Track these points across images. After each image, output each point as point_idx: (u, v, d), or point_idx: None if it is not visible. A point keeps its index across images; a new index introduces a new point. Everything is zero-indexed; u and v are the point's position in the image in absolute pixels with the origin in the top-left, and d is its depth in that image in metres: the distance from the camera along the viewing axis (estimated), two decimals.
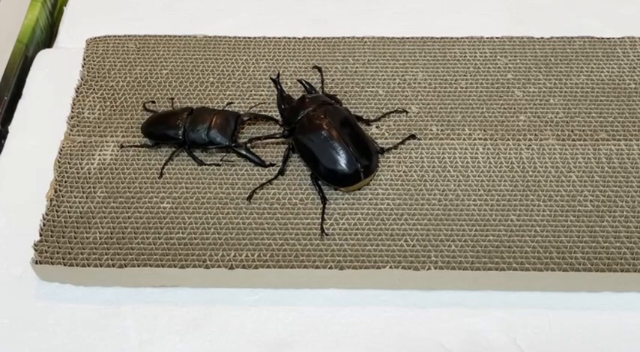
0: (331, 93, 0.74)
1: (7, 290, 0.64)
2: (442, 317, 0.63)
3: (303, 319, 0.63)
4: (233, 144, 0.69)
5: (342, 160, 0.66)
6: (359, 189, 0.67)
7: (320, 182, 0.67)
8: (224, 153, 0.70)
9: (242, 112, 0.72)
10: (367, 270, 0.63)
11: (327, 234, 0.64)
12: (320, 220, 0.65)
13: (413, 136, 0.71)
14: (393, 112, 0.72)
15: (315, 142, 0.67)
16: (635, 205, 0.66)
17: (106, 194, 0.67)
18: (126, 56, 0.78)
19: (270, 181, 0.67)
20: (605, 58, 0.77)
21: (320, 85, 0.74)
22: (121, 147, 0.70)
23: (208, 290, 0.64)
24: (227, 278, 0.63)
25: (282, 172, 0.68)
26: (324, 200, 0.66)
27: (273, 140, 0.70)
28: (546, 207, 0.66)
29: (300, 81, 0.73)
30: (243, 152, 0.69)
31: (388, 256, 0.63)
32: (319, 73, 0.76)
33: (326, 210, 0.66)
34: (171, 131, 0.69)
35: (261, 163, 0.69)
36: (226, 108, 0.72)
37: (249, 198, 0.66)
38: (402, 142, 0.70)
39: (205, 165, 0.69)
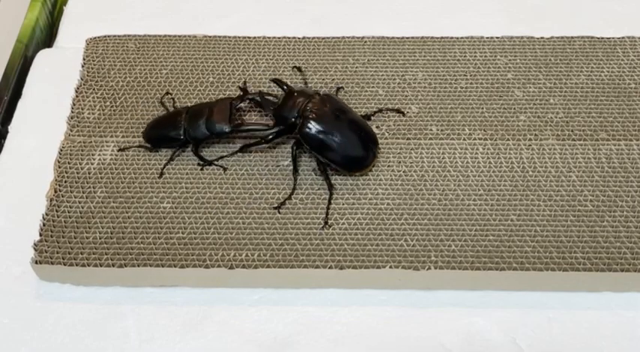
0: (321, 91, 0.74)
1: (7, 290, 0.64)
2: (442, 317, 0.63)
3: (303, 319, 0.63)
4: (233, 129, 0.68)
5: (357, 144, 0.67)
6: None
7: (328, 172, 0.67)
8: (225, 154, 0.70)
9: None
10: (367, 270, 0.63)
11: (329, 225, 0.64)
12: (325, 212, 0.65)
13: (399, 111, 0.72)
14: (389, 110, 0.73)
15: (326, 132, 0.66)
16: (635, 205, 0.66)
17: (106, 194, 0.67)
18: (126, 56, 0.78)
19: (294, 189, 0.67)
20: (605, 58, 0.77)
21: (304, 84, 0.74)
22: (120, 150, 0.70)
23: (208, 290, 0.64)
24: (227, 278, 0.63)
25: (296, 171, 0.68)
26: (331, 188, 0.66)
27: (262, 137, 0.69)
28: (546, 207, 0.66)
29: (274, 80, 0.72)
30: (246, 128, 0.68)
31: (388, 256, 0.63)
32: (300, 73, 0.76)
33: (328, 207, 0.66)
34: (173, 132, 0.69)
35: (267, 129, 0.67)
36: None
37: (278, 208, 0.66)
38: (380, 111, 0.72)
39: (213, 164, 0.69)
